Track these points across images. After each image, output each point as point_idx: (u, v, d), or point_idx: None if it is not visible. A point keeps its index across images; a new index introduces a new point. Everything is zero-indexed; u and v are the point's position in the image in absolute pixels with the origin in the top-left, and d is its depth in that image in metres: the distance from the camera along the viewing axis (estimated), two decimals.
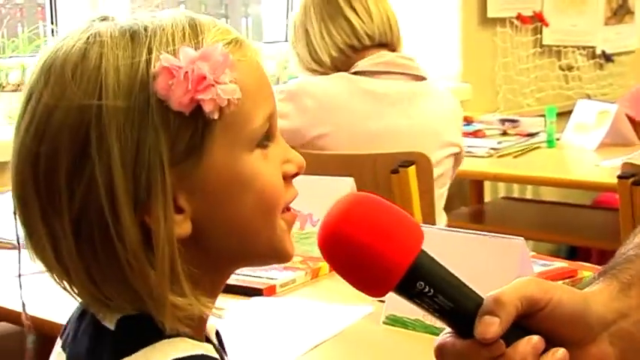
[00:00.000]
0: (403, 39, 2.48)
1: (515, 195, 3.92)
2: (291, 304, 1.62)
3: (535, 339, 0.79)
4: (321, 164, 2.29)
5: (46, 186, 0.80)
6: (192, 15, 0.84)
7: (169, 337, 0.81)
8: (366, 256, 0.78)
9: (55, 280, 0.84)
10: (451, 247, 1.44)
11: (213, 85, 0.79)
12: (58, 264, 0.82)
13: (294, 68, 2.51)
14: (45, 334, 1.41)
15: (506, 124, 3.32)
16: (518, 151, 3.13)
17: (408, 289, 0.80)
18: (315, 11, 2.38)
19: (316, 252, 0.84)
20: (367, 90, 2.34)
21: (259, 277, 1.68)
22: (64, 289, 0.84)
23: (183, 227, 0.81)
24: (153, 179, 0.78)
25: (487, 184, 3.74)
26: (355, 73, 2.35)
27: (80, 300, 0.85)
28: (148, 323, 0.81)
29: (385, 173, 2.29)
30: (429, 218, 2.30)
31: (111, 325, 0.82)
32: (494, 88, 4.06)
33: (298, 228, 1.87)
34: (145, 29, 0.81)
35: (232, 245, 0.85)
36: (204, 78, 0.79)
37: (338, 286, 1.64)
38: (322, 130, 2.32)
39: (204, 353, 0.82)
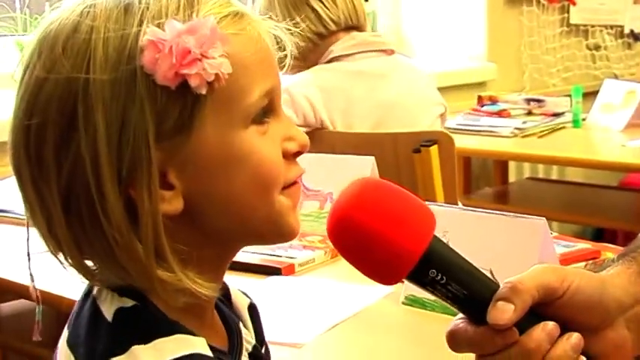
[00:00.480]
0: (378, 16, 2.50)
1: (541, 175, 3.88)
2: (309, 283, 1.61)
3: (550, 325, 0.78)
4: (343, 143, 2.27)
5: (36, 159, 0.80)
6: None
7: (165, 333, 0.80)
8: (376, 243, 0.75)
9: (51, 251, 0.83)
10: (472, 227, 1.42)
11: (199, 60, 0.77)
12: (51, 235, 0.81)
13: None
14: (59, 310, 1.41)
15: (532, 103, 3.28)
16: (543, 131, 3.09)
17: (420, 277, 0.77)
18: (279, 2, 2.36)
19: None
20: (353, 71, 2.34)
21: (278, 255, 1.67)
22: (59, 261, 0.83)
23: (173, 204, 0.80)
24: (137, 154, 0.77)
25: (512, 165, 3.71)
26: (331, 60, 2.35)
27: (72, 271, 0.84)
28: (144, 316, 0.81)
29: (407, 152, 2.26)
30: (452, 198, 2.27)
31: (108, 315, 0.81)
32: (520, 68, 4.02)
33: (318, 207, 1.86)
34: (140, 1, 0.80)
35: (229, 223, 0.83)
36: (189, 52, 0.77)
37: None
38: (326, 118, 2.32)
39: (195, 352, 0.80)
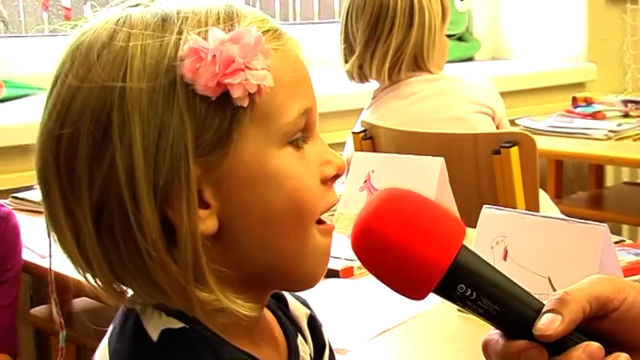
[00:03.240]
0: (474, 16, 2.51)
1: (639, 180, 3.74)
2: (367, 287, 1.56)
3: (593, 346, 0.71)
4: (420, 144, 2.22)
5: (67, 171, 0.76)
6: (233, 3, 0.80)
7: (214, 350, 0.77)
8: (398, 255, 0.71)
9: (78, 270, 0.80)
10: (531, 232, 1.36)
11: (242, 70, 0.74)
12: (80, 254, 0.78)
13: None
14: None
15: (629, 105, 3.15)
16: (639, 134, 2.95)
17: (448, 292, 0.72)
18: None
19: None
20: (387, 93, 2.38)
21: (337, 257, 1.63)
22: (87, 281, 0.80)
23: (207, 224, 0.76)
24: (176, 167, 0.74)
25: (609, 169, 3.58)
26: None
27: (103, 292, 0.80)
28: (194, 339, 0.77)
29: (487, 154, 2.19)
30: (532, 201, 2.19)
31: (154, 335, 0.78)
32: (622, 68, 3.89)
33: None
34: (178, 12, 0.77)
35: (261, 250, 0.79)
36: (233, 61, 0.74)
37: None
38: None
39: None
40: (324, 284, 1.55)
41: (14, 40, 2.77)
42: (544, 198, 2.37)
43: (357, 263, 1.61)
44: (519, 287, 0.74)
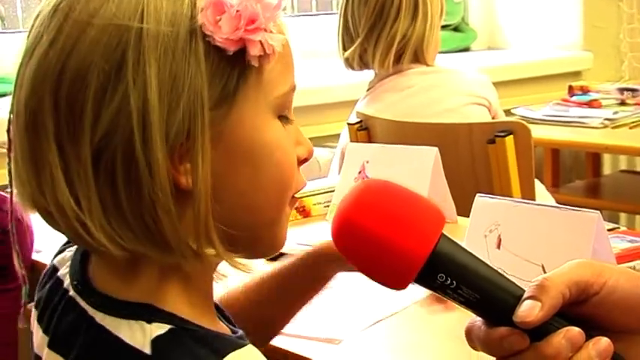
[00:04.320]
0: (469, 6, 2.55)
1: (638, 168, 3.73)
2: (358, 277, 1.56)
3: (573, 331, 0.71)
4: (416, 134, 2.22)
5: (67, 107, 0.73)
6: None
7: (225, 347, 0.75)
8: (377, 246, 0.72)
9: (64, 221, 0.75)
10: (524, 220, 1.36)
11: (262, 29, 0.75)
12: (70, 194, 0.74)
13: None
14: None
15: (625, 93, 3.14)
16: (635, 122, 2.95)
17: (428, 281, 0.73)
18: None
19: None
20: (383, 87, 2.38)
21: None
22: (67, 235, 0.79)
23: None
24: (193, 116, 0.73)
25: (607, 157, 3.57)
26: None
27: (89, 240, 0.76)
28: (182, 335, 0.76)
29: (482, 143, 2.19)
30: (528, 190, 2.19)
31: (146, 349, 0.74)
32: (618, 57, 3.87)
33: None
34: None
35: (237, 218, 0.79)
36: (256, 19, 0.74)
37: None
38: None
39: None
40: None
41: (9, 36, 2.76)
42: (539, 188, 2.37)
43: None
44: (499, 275, 0.74)
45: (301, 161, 0.84)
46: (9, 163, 0.79)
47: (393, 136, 2.22)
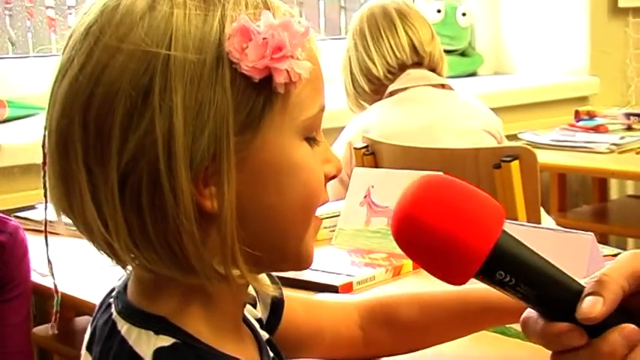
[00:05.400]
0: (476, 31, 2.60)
1: None
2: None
3: (629, 328, 0.72)
4: (422, 159, 2.23)
5: (95, 131, 0.75)
6: None
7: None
8: (438, 241, 0.72)
9: (89, 237, 0.79)
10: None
11: (289, 57, 0.76)
12: (98, 216, 0.76)
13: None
14: None
15: (632, 118, 3.15)
16: None
17: (487, 277, 0.74)
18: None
19: None
20: (402, 98, 2.43)
21: (337, 273, 1.63)
22: (98, 250, 0.80)
23: None
24: (218, 143, 0.74)
25: (613, 182, 3.58)
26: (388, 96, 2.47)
27: (115, 259, 0.80)
28: (185, 352, 0.77)
29: (487, 168, 2.20)
30: (534, 214, 2.19)
31: (147, 357, 0.77)
32: (625, 82, 3.89)
33: (386, 224, 1.82)
34: None
35: (263, 238, 0.80)
36: (283, 47, 0.75)
37: (420, 285, 1.58)
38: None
39: None
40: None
41: (20, 61, 2.79)
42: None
43: (355, 279, 1.62)
44: (558, 270, 0.74)
45: (330, 177, 0.85)
46: (43, 177, 0.81)
47: (400, 161, 2.23)
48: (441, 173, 1.79)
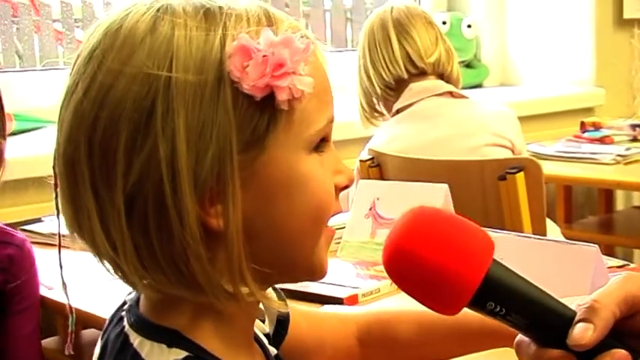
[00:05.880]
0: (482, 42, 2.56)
1: None
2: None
3: (619, 354, 0.72)
4: (427, 171, 2.24)
5: (101, 154, 0.75)
6: (266, 6, 0.81)
7: None
8: (429, 272, 0.72)
9: (99, 255, 0.79)
10: (526, 254, 1.36)
11: (290, 74, 0.75)
12: (106, 238, 0.77)
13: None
14: None
15: (638, 129, 3.15)
16: None
17: (479, 307, 0.74)
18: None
19: None
20: (405, 116, 2.39)
21: (342, 285, 1.63)
22: (108, 270, 0.80)
23: None
24: (221, 163, 0.75)
25: (619, 193, 3.57)
26: (394, 114, 2.43)
27: (125, 280, 0.80)
28: None
29: (492, 180, 2.20)
30: (539, 226, 2.19)
31: None
32: (631, 93, 3.89)
33: None
34: (220, 9, 0.78)
35: (273, 252, 0.80)
36: (284, 64, 0.75)
37: None
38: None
39: None
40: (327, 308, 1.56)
41: (27, 74, 2.80)
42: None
43: (361, 291, 1.62)
44: (549, 297, 0.75)
45: (341, 188, 0.85)
46: (56, 197, 0.81)
47: (405, 173, 2.24)
48: (446, 185, 1.81)
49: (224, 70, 0.75)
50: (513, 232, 1.49)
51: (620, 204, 3.62)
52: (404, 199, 1.86)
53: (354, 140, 2.75)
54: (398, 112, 2.42)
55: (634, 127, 3.17)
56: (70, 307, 1.04)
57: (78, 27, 2.93)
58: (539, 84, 3.84)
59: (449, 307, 0.74)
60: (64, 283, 0.98)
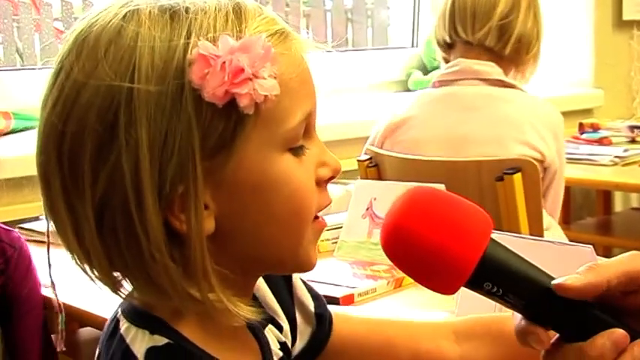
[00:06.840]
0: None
1: None
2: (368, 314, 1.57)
3: (617, 333, 0.71)
4: (425, 171, 2.24)
5: (69, 167, 0.76)
6: (240, 0, 0.80)
7: None
8: (427, 250, 0.72)
9: (76, 262, 0.80)
10: (521, 254, 1.36)
11: (250, 79, 0.75)
12: (80, 247, 0.78)
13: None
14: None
15: (636, 131, 3.16)
16: None
17: (476, 287, 0.74)
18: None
19: None
20: (445, 96, 2.32)
21: (338, 284, 1.64)
22: (84, 271, 0.81)
23: (206, 224, 0.78)
24: (184, 172, 0.75)
25: (617, 194, 3.58)
26: (434, 84, 2.37)
27: (99, 283, 0.82)
28: (180, 355, 0.79)
29: (490, 180, 2.21)
30: (536, 227, 2.20)
31: (140, 355, 0.79)
32: (629, 94, 3.89)
33: None
34: (187, 10, 0.77)
35: (255, 249, 0.81)
36: (242, 71, 0.74)
37: (421, 297, 1.59)
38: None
39: None
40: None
41: (27, 72, 2.80)
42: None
43: (357, 291, 1.63)
44: (548, 277, 0.74)
45: (326, 180, 0.84)
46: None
47: (403, 173, 2.24)
48: (442, 185, 1.81)
49: (185, 79, 0.74)
50: (507, 233, 1.49)
51: (618, 205, 3.63)
52: None
53: (354, 140, 2.76)
54: (439, 84, 2.34)
55: (632, 128, 3.18)
56: (60, 305, 1.05)
57: None
58: (538, 85, 3.83)
59: (446, 286, 0.74)
60: (52, 282, 0.98)
